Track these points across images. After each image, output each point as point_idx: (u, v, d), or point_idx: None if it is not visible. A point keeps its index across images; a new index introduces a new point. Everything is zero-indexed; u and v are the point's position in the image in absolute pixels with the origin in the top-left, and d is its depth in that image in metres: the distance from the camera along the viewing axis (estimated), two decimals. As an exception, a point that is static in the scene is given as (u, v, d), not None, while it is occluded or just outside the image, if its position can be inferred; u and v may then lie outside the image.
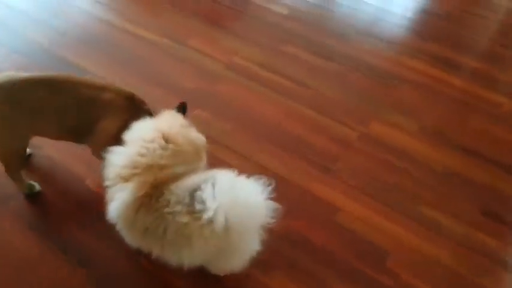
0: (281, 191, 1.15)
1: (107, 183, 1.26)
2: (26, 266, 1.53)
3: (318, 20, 2.90)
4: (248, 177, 1.23)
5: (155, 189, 1.21)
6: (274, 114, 2.20)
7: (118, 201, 1.22)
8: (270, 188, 1.20)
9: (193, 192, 1.17)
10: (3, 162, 1.60)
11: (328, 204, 1.80)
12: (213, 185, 1.16)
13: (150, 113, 1.60)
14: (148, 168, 1.22)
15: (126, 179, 1.23)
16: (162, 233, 1.19)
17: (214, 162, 1.91)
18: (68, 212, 1.71)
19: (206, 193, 1.15)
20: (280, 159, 1.97)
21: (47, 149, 1.91)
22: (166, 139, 1.26)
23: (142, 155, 1.23)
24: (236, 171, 1.24)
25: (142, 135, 1.28)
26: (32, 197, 1.74)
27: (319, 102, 2.29)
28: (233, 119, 2.15)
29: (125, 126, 1.34)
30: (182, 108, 1.59)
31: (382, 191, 1.88)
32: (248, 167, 1.92)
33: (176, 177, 1.24)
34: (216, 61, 2.49)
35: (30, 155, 1.89)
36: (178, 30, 2.70)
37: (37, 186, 1.76)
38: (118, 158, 1.26)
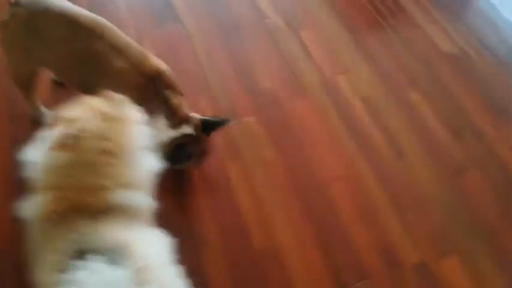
0: None
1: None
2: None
3: (485, 79, 2.05)
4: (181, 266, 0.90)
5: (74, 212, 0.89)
6: (335, 173, 1.67)
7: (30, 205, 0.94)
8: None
9: (74, 256, 0.82)
10: (15, 83, 1.52)
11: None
12: (98, 272, 0.80)
13: (166, 102, 1.33)
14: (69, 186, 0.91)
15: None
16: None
17: (222, 186, 1.56)
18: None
19: (80, 274, 0.79)
20: (299, 243, 1.49)
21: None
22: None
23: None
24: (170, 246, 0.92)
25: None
26: (37, 124, 1.61)
27: (399, 190, 1.64)
28: (283, 149, 1.70)
29: None
30: (218, 123, 1.46)
31: None
32: (253, 223, 1.50)
33: (112, 210, 0.90)
34: (315, 69, 1.97)
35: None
36: (297, 12, 2.19)
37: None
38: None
